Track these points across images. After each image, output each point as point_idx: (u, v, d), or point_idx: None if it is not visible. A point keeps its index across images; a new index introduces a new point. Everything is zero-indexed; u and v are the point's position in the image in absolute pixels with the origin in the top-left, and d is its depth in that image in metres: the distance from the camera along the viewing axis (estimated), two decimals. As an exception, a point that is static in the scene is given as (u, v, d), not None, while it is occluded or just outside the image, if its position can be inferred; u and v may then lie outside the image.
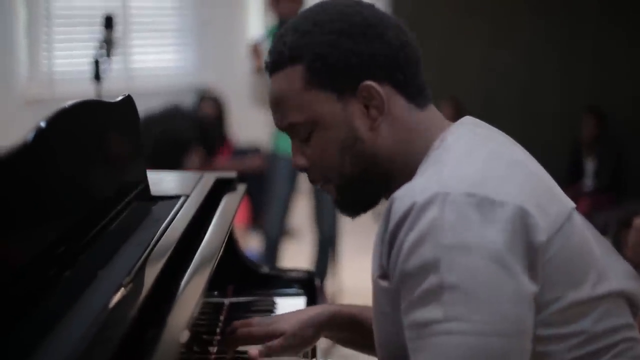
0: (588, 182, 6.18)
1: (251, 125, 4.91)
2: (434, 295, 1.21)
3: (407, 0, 6.91)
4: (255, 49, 4.55)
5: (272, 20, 4.73)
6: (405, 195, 1.26)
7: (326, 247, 4.82)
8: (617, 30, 6.40)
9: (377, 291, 1.36)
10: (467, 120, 1.47)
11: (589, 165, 6.21)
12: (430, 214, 1.22)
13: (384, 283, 1.31)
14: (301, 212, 5.65)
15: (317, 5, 1.46)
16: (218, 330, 1.83)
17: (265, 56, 1.49)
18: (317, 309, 1.73)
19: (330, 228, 4.79)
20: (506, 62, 6.78)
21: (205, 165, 5.01)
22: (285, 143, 4.64)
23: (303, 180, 5.22)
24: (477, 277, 1.20)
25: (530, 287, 1.23)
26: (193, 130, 4.86)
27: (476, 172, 1.29)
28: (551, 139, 6.51)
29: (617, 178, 6.15)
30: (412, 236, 1.23)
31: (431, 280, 1.21)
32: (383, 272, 1.31)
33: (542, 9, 6.67)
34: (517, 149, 1.44)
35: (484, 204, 1.23)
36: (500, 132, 1.48)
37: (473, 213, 1.22)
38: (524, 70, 6.79)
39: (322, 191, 4.85)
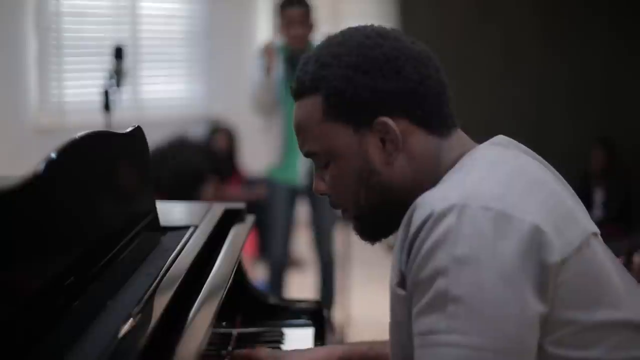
0: (597, 213, 6.15)
1: (262, 155, 4.91)
2: (439, 304, 1.22)
3: (416, 31, 6.93)
4: (268, 49, 4.54)
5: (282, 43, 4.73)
6: (426, 203, 1.28)
7: (329, 272, 4.83)
8: (627, 61, 6.40)
9: (393, 299, 1.36)
10: (499, 140, 1.49)
11: (598, 196, 6.20)
12: (446, 223, 1.24)
13: (400, 291, 1.32)
14: (307, 242, 5.64)
15: (339, 35, 1.46)
16: (226, 361, 1.83)
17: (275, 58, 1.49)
18: (326, 351, 1.73)
19: (328, 254, 4.81)
20: (515, 93, 6.79)
21: (218, 194, 5.04)
22: (282, 172, 4.70)
23: (302, 209, 5.23)
24: (484, 293, 1.21)
25: (537, 308, 1.23)
26: (206, 161, 4.90)
27: (496, 186, 1.29)
28: (560, 169, 6.47)
29: (626, 209, 6.14)
30: (427, 244, 1.24)
31: (438, 288, 1.22)
32: (401, 279, 1.31)
33: (551, 40, 6.68)
34: (545, 169, 1.47)
35: (500, 219, 1.24)
36: (533, 153, 1.50)
37: (488, 227, 1.23)
38: (533, 101, 6.79)
39: (321, 218, 4.77)
